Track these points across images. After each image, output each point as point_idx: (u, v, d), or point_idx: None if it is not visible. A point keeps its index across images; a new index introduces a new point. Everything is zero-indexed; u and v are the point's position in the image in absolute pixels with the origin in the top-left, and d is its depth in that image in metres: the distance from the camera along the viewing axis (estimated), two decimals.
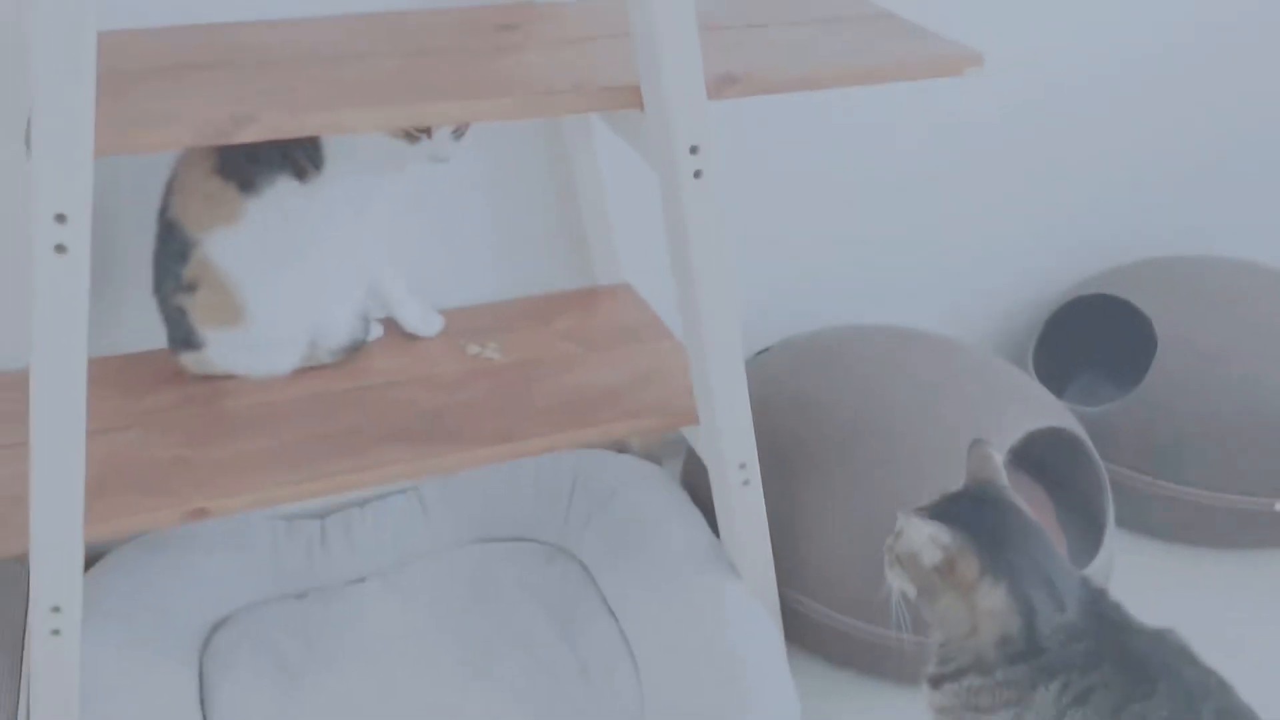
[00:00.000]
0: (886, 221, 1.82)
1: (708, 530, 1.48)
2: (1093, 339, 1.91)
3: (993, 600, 1.06)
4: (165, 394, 1.34)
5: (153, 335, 1.38)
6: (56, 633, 1.13)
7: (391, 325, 1.47)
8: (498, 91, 1.08)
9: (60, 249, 0.95)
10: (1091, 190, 1.95)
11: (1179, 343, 1.70)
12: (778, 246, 1.75)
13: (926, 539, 1.06)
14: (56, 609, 1.11)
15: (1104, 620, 1.06)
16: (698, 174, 1.12)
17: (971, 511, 1.09)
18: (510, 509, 1.63)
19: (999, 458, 1.15)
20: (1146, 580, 1.50)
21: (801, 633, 1.47)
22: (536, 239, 1.59)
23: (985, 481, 1.13)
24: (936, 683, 1.11)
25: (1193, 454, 1.65)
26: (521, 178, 1.55)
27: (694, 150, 1.11)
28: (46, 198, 0.94)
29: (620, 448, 1.73)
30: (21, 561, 1.47)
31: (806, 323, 1.73)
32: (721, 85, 1.12)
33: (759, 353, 1.68)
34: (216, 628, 1.48)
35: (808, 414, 1.51)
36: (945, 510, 1.10)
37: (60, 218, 0.94)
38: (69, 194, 0.94)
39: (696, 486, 1.55)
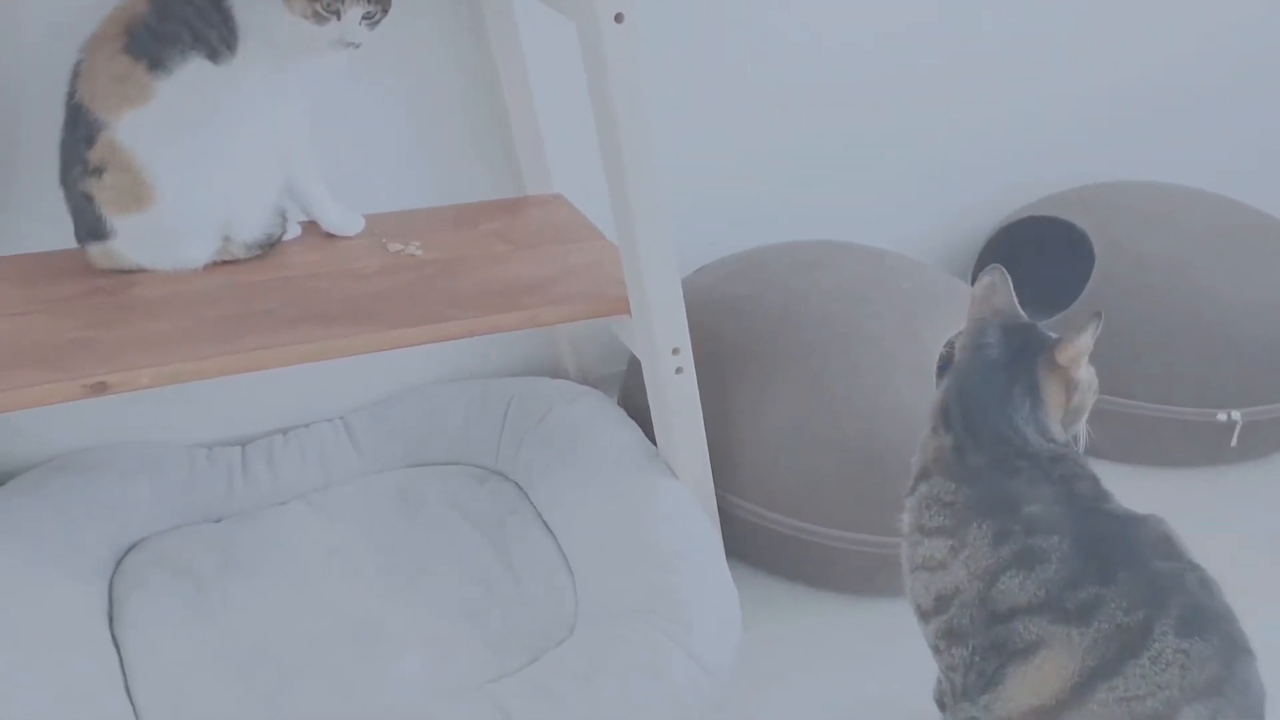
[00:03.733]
0: (827, 146, 1.81)
1: (643, 437, 1.44)
2: (1034, 271, 1.90)
3: (937, 391, 1.05)
4: (72, 285, 1.28)
5: (62, 236, 1.33)
6: None
7: (311, 227, 1.43)
8: None
9: None
10: (1031, 118, 1.96)
11: (1116, 257, 1.69)
12: (717, 169, 1.73)
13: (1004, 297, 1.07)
14: None
15: (1070, 490, 1.00)
16: (619, 18, 1.09)
17: (1008, 319, 1.07)
18: (441, 435, 1.58)
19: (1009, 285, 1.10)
20: None
21: (738, 539, 1.43)
22: (465, 151, 1.55)
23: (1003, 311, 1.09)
24: (905, 502, 1.07)
25: (1134, 367, 1.64)
26: (448, 88, 1.52)
27: None
28: None
29: (557, 375, 1.69)
30: None
31: (742, 247, 1.70)
32: None
33: (694, 271, 1.64)
34: (130, 550, 1.41)
35: (739, 314, 1.48)
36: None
37: None
38: None
39: (634, 407, 1.50)
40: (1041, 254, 1.84)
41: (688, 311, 1.28)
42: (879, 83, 1.80)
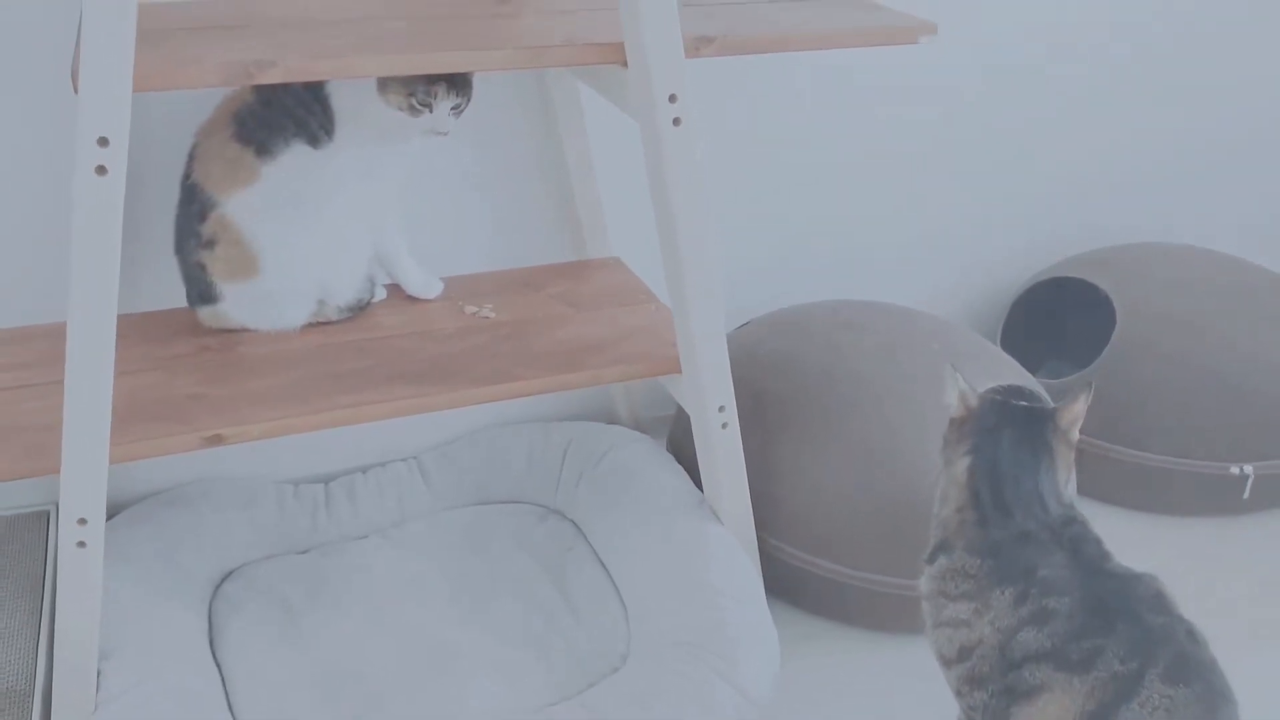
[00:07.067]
0: (862, 207, 1.94)
1: (691, 483, 1.57)
2: (1059, 328, 2.02)
3: (957, 469, 1.16)
4: (184, 343, 1.44)
5: (171, 296, 1.49)
6: (82, 545, 1.21)
7: (395, 290, 1.57)
8: (493, 45, 1.20)
9: (101, 170, 1.06)
10: (1056, 181, 2.08)
11: (1137, 317, 1.80)
12: (758, 230, 1.87)
13: (956, 392, 1.19)
14: (83, 520, 1.20)
15: (1078, 553, 1.13)
16: (676, 121, 1.23)
17: (1008, 399, 1.19)
18: (505, 475, 1.72)
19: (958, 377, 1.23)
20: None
21: (779, 579, 1.55)
22: (531, 218, 1.70)
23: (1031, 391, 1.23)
24: (924, 568, 1.20)
25: (1152, 421, 1.75)
26: (517, 161, 1.67)
27: (673, 99, 1.22)
28: (90, 121, 1.04)
29: (610, 419, 1.82)
30: (40, 517, 1.58)
31: (785, 302, 1.83)
32: (698, 45, 1.24)
33: (740, 326, 1.78)
34: (225, 578, 1.56)
35: (783, 370, 1.61)
36: (995, 389, 1.21)
37: (103, 140, 1.05)
38: (111, 118, 1.05)
39: (681, 451, 1.64)
40: (1065, 312, 1.96)
41: (734, 365, 1.41)
42: (910, 151, 1.93)
